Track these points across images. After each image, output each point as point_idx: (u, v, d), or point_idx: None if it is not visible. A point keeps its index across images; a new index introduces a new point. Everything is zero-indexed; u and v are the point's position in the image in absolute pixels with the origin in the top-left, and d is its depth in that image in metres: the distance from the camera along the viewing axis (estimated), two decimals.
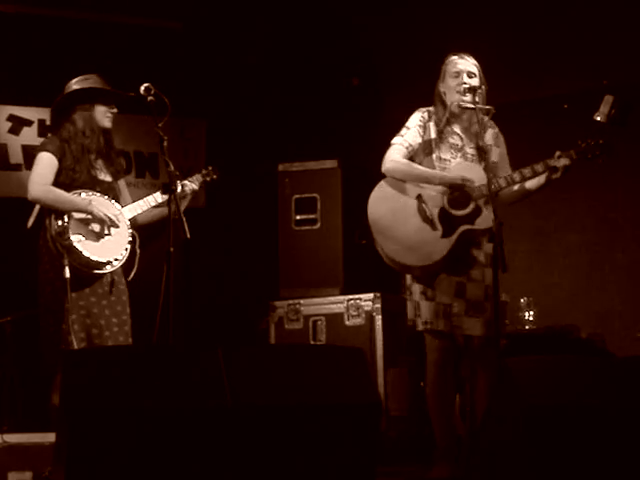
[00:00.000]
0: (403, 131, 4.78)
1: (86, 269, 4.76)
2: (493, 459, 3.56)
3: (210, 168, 5.26)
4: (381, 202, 4.75)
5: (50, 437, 4.71)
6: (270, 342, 6.35)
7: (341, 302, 6.27)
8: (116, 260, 4.82)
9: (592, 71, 6.90)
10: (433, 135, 4.75)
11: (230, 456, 3.20)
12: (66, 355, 3.57)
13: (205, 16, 7.26)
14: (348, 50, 7.52)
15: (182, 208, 4.68)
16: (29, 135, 6.95)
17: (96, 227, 4.81)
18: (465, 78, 4.70)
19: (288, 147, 7.09)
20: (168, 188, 4.40)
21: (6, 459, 4.95)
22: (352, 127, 7.29)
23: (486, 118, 4.73)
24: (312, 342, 6.24)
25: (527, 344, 6.17)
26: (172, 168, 4.42)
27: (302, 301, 6.35)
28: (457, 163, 4.72)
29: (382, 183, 4.78)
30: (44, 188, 4.78)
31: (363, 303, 6.20)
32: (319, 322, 6.29)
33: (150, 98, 4.47)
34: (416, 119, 4.78)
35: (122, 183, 5.09)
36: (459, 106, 4.70)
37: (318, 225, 6.48)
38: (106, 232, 4.82)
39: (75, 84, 4.92)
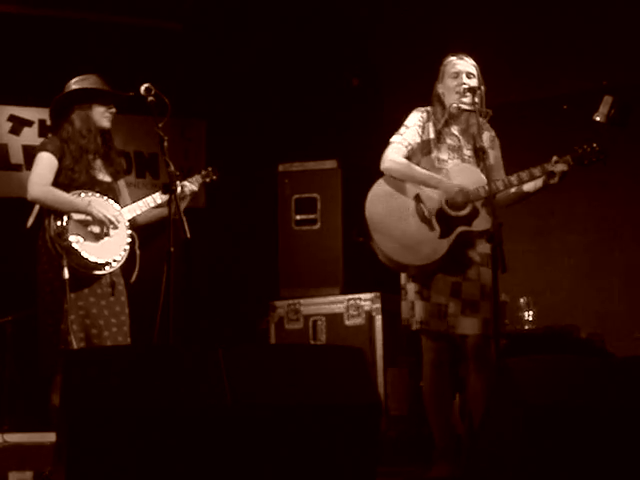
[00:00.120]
0: (402, 130, 4.78)
1: (85, 270, 4.76)
2: (492, 459, 3.56)
3: (210, 169, 5.26)
4: (379, 200, 4.75)
5: (50, 437, 4.72)
6: (270, 342, 6.36)
7: (341, 302, 6.27)
8: (115, 261, 4.82)
9: (591, 72, 6.90)
10: (432, 135, 4.75)
11: (230, 456, 3.21)
12: (66, 355, 3.57)
13: (205, 17, 7.27)
14: (348, 50, 7.53)
15: (181, 209, 4.68)
16: (30, 135, 6.95)
17: (95, 228, 4.81)
18: (464, 79, 4.70)
19: (288, 147, 7.10)
20: (168, 188, 4.40)
21: (7, 459, 4.97)
22: (352, 127, 7.30)
23: (483, 120, 4.74)
24: (312, 342, 6.24)
25: (527, 344, 6.17)
26: (172, 168, 4.43)
27: (302, 301, 6.36)
28: (454, 165, 4.72)
29: (380, 181, 4.78)
30: (44, 188, 4.78)
31: (363, 303, 6.20)
32: (319, 322, 6.29)
33: (150, 98, 4.47)
34: (415, 118, 4.78)
35: (122, 183, 5.09)
36: (458, 108, 4.70)
37: (318, 225, 6.49)
38: (105, 233, 4.83)
39: (74, 84, 4.92)
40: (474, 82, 4.70)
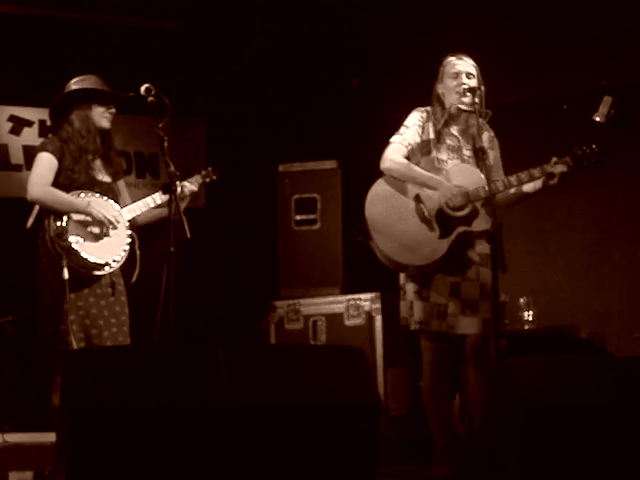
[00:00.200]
0: (402, 130, 4.78)
1: (84, 270, 4.76)
2: (492, 459, 3.56)
3: (210, 169, 5.26)
4: (379, 200, 4.75)
5: (51, 437, 4.72)
6: (270, 342, 6.36)
7: (341, 302, 6.27)
8: (114, 261, 4.82)
9: (591, 72, 6.90)
10: (431, 135, 4.75)
11: (230, 456, 3.21)
12: (66, 355, 3.58)
13: (205, 17, 7.27)
14: (348, 51, 7.53)
15: (181, 209, 4.68)
16: (30, 135, 6.95)
17: (95, 229, 4.81)
18: (464, 79, 4.70)
19: (288, 147, 7.10)
20: (168, 188, 4.40)
21: (7, 459, 4.97)
22: (352, 127, 7.30)
23: (482, 121, 4.74)
24: (312, 342, 6.25)
25: (526, 344, 6.17)
26: (172, 168, 4.43)
27: (302, 301, 6.36)
28: (454, 165, 4.72)
29: (380, 181, 4.78)
30: (43, 189, 4.78)
31: (363, 303, 6.21)
32: (319, 322, 6.30)
33: (150, 99, 4.48)
34: (415, 118, 4.78)
35: (122, 184, 5.09)
36: (458, 108, 4.70)
37: (318, 225, 6.49)
38: (105, 233, 4.83)
39: (73, 84, 4.92)
40: (474, 82, 4.70)
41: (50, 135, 5.02)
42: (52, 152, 4.83)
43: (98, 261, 4.77)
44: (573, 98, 6.96)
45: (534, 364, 3.63)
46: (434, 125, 4.75)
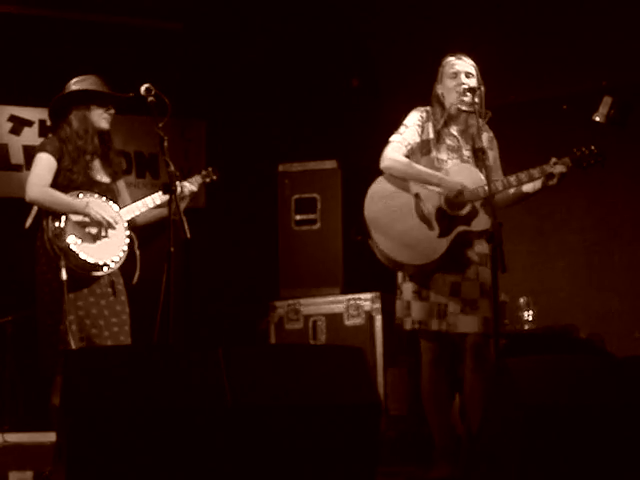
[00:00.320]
0: (401, 129, 4.78)
1: (83, 271, 4.76)
2: (492, 459, 3.57)
3: (210, 169, 5.26)
4: (378, 199, 4.75)
5: (51, 437, 4.73)
6: (270, 342, 6.36)
7: (341, 302, 6.28)
8: (113, 262, 4.82)
9: (591, 72, 6.91)
10: (431, 135, 4.75)
11: (230, 456, 3.21)
12: (66, 355, 3.58)
13: (205, 17, 7.27)
14: (348, 51, 7.53)
15: (181, 209, 4.68)
16: (30, 135, 6.96)
17: (93, 229, 4.81)
18: (463, 78, 4.70)
19: (288, 147, 7.10)
20: (168, 188, 4.40)
21: (7, 458, 4.98)
22: (352, 128, 7.30)
23: (482, 121, 4.74)
24: (312, 342, 6.25)
25: (526, 344, 6.17)
26: (172, 168, 4.42)
27: (302, 301, 6.36)
28: (454, 164, 4.72)
29: (380, 180, 4.78)
30: (42, 189, 4.78)
31: (363, 303, 6.21)
32: (319, 322, 6.30)
33: (150, 99, 4.47)
34: (415, 118, 4.78)
35: (121, 184, 5.09)
36: (457, 108, 4.71)
37: (318, 225, 6.50)
38: (103, 234, 4.83)
39: (73, 85, 4.92)
40: (473, 82, 4.70)
41: (50, 135, 5.02)
42: (51, 152, 4.83)
43: (96, 262, 4.76)
44: (573, 98, 6.96)
45: (534, 364, 3.63)
46: (434, 125, 4.76)
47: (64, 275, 4.65)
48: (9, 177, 6.93)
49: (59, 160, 4.83)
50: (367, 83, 7.65)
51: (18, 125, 6.97)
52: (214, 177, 5.25)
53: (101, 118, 4.92)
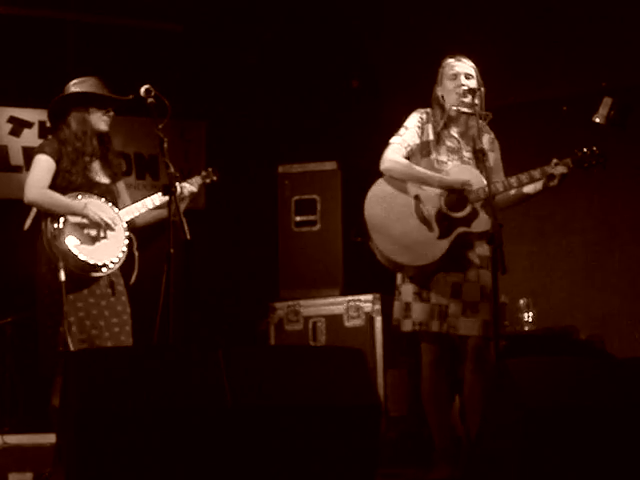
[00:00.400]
0: (402, 131, 4.79)
1: (82, 272, 4.76)
2: (492, 461, 3.56)
3: (210, 170, 5.26)
4: (378, 201, 4.75)
5: (50, 438, 4.73)
6: (270, 343, 6.35)
7: (341, 303, 6.27)
8: (112, 263, 4.82)
9: (591, 73, 6.90)
10: (431, 137, 4.75)
11: (230, 457, 3.21)
12: (66, 356, 3.58)
13: (205, 18, 7.27)
14: (347, 52, 7.53)
15: (181, 210, 4.68)
16: (30, 137, 6.95)
17: (92, 230, 4.81)
18: (463, 80, 4.70)
19: (288, 149, 7.10)
20: (168, 190, 4.40)
21: (7, 460, 4.97)
22: (352, 129, 7.30)
23: (483, 123, 4.74)
24: (312, 343, 6.24)
25: (526, 345, 6.17)
26: (172, 170, 4.42)
27: (302, 302, 6.36)
28: (454, 166, 4.72)
29: (380, 182, 4.78)
30: (40, 191, 4.78)
31: (363, 304, 6.20)
32: (319, 323, 6.29)
33: (150, 100, 4.47)
34: (415, 120, 4.78)
35: (121, 185, 5.09)
36: (457, 110, 4.70)
37: (318, 226, 6.49)
38: (102, 235, 4.82)
39: (72, 86, 4.92)
40: (473, 83, 4.70)
41: (49, 137, 5.02)
42: (50, 154, 4.83)
43: (96, 263, 4.76)
44: (573, 99, 6.96)
45: (534, 365, 3.63)
46: (434, 127, 4.76)
47: (63, 276, 4.65)
48: (9, 178, 6.93)
49: (58, 162, 4.83)
50: (367, 84, 7.65)
51: (18, 126, 6.97)
52: (214, 178, 5.25)
53: (100, 120, 4.92)
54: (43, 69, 6.70)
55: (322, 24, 7.42)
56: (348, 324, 6.22)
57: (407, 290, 4.71)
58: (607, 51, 6.84)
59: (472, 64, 4.76)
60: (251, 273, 7.14)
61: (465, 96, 4.66)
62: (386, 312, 6.09)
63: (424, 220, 4.68)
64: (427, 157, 4.74)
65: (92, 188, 4.88)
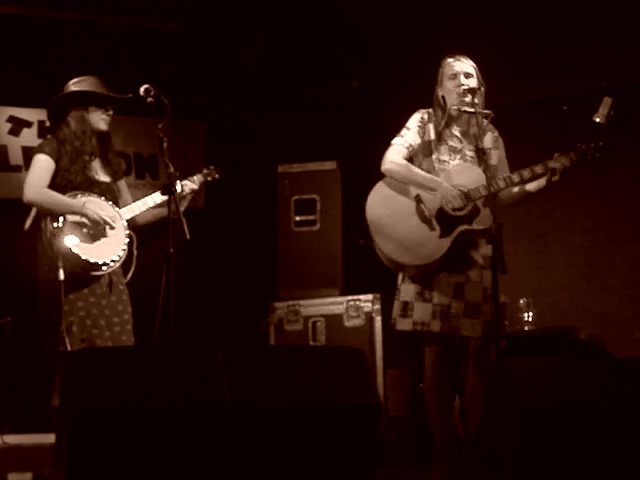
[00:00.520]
0: (403, 132, 4.79)
1: (82, 271, 4.76)
2: (492, 460, 3.56)
3: (212, 167, 5.26)
4: (379, 202, 4.75)
5: (50, 438, 4.72)
6: (270, 343, 6.35)
7: (340, 303, 6.27)
8: (113, 261, 4.82)
9: (591, 73, 6.90)
10: (432, 137, 4.75)
11: (230, 457, 3.21)
12: (65, 356, 3.58)
13: (205, 18, 7.27)
14: (347, 52, 7.53)
15: (182, 208, 4.69)
16: (29, 136, 6.95)
17: (91, 229, 4.81)
18: (462, 79, 4.70)
19: (288, 148, 7.10)
20: (168, 189, 4.40)
21: (6, 460, 4.97)
22: (351, 128, 7.29)
23: (485, 121, 4.74)
24: (312, 343, 6.24)
25: (526, 345, 6.17)
26: (172, 169, 4.42)
27: (301, 302, 6.36)
28: (456, 164, 4.72)
29: (381, 183, 4.79)
30: (39, 191, 4.78)
31: (362, 304, 6.20)
32: (318, 323, 6.29)
33: (150, 99, 4.47)
34: (416, 120, 4.79)
35: (122, 184, 5.09)
36: (458, 110, 4.70)
37: (317, 226, 6.49)
38: (102, 234, 4.83)
39: (71, 85, 4.92)
40: (473, 82, 4.70)
41: (48, 136, 5.02)
42: (49, 154, 4.83)
43: (96, 261, 4.76)
44: (573, 99, 6.95)
45: (534, 365, 3.62)
46: (435, 127, 4.75)
47: (61, 275, 4.65)
48: (8, 178, 6.92)
49: (57, 161, 4.83)
50: (367, 84, 7.65)
51: (17, 126, 6.96)
52: (216, 176, 5.25)
53: (99, 119, 4.92)
54: (43, 69, 6.69)
55: (322, 24, 7.42)
56: (348, 324, 6.22)
57: (407, 289, 4.71)
58: (607, 51, 6.84)
59: (472, 63, 4.76)
60: (251, 273, 7.14)
61: (465, 96, 4.66)
62: (386, 312, 6.09)
63: (425, 220, 4.67)
64: (429, 157, 4.74)
65: (92, 187, 4.88)
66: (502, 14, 7.01)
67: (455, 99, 4.70)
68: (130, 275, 4.91)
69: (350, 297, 6.26)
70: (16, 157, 6.96)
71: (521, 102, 7.22)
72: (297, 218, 6.53)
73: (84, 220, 4.78)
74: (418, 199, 4.70)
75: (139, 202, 4.97)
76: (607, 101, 4.63)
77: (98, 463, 3.08)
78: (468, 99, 4.65)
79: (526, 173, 4.61)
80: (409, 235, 4.66)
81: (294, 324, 6.35)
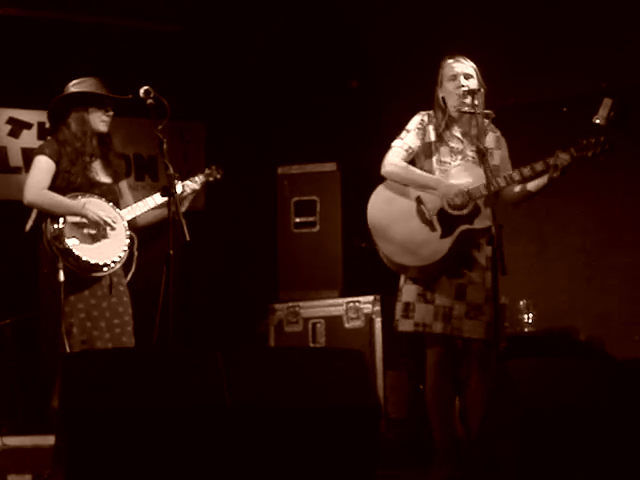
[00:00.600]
0: (403, 134, 4.79)
1: (83, 272, 4.76)
2: (492, 462, 3.56)
3: (213, 167, 5.26)
4: (380, 205, 4.75)
5: (49, 440, 4.71)
6: (269, 345, 6.35)
7: (340, 305, 6.26)
8: (113, 262, 4.82)
9: (591, 74, 6.90)
10: (432, 138, 4.75)
11: (229, 458, 3.20)
12: (64, 358, 3.57)
13: (205, 19, 7.27)
14: (347, 53, 7.53)
15: (183, 209, 4.72)
16: (28, 138, 6.95)
17: (91, 230, 4.81)
18: (462, 80, 4.69)
19: (287, 150, 7.10)
20: (167, 191, 4.40)
21: (6, 462, 4.96)
22: (351, 130, 7.29)
23: (487, 121, 4.74)
24: (311, 345, 6.23)
25: (526, 346, 6.16)
26: (171, 171, 4.42)
27: (301, 304, 6.35)
28: (456, 165, 4.72)
29: (381, 187, 4.79)
30: (39, 192, 4.79)
31: (362, 306, 6.20)
32: (318, 325, 6.29)
33: (150, 101, 4.47)
34: (416, 122, 4.79)
35: (124, 185, 5.09)
36: (458, 111, 4.70)
37: (317, 228, 6.48)
38: (102, 235, 4.83)
39: (72, 87, 4.93)
40: (472, 83, 4.70)
41: (48, 138, 5.02)
42: (49, 155, 4.83)
43: (97, 262, 4.76)
44: (573, 100, 6.96)
45: (534, 366, 3.62)
46: (435, 128, 4.75)
47: (62, 277, 4.65)
48: (8, 180, 6.92)
49: (57, 162, 4.83)
50: (367, 85, 7.65)
51: (17, 128, 6.96)
52: (217, 176, 5.26)
53: (100, 120, 4.92)
54: (42, 70, 6.69)
55: (322, 24, 7.42)
56: (348, 325, 6.21)
57: (409, 291, 4.70)
58: (607, 52, 6.84)
59: (472, 64, 4.75)
60: (250, 274, 7.14)
61: (465, 97, 4.66)
62: (386, 313, 6.09)
63: (426, 221, 4.67)
64: (430, 158, 4.74)
65: (92, 188, 4.88)
66: (502, 14, 7.01)
67: (455, 100, 4.70)
68: (130, 276, 4.91)
69: (350, 299, 6.25)
70: (16, 159, 6.95)
71: (521, 104, 7.22)
72: (297, 220, 6.52)
73: (84, 221, 4.78)
74: (419, 200, 4.70)
75: (140, 203, 4.98)
76: (607, 102, 4.63)
77: (97, 464, 3.08)
78: (468, 100, 4.65)
79: (526, 171, 4.60)
80: (410, 236, 4.66)
81: (294, 325, 6.34)
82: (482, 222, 4.58)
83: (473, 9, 7.00)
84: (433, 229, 4.65)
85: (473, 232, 4.63)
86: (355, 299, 6.22)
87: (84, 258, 4.73)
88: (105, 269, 4.80)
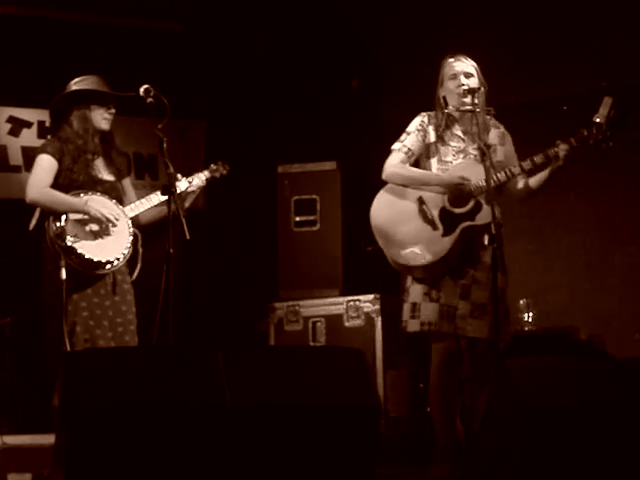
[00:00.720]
0: (403, 137, 4.80)
1: (86, 269, 4.76)
2: (493, 461, 3.56)
3: (219, 163, 5.27)
4: (383, 208, 4.78)
5: (50, 439, 4.70)
6: (270, 343, 6.35)
7: (340, 303, 6.26)
8: (117, 260, 4.82)
9: (591, 73, 6.90)
10: (433, 139, 4.76)
11: (230, 457, 3.20)
12: (65, 357, 3.57)
13: (205, 18, 7.27)
14: (348, 52, 7.53)
15: (187, 204, 4.73)
16: (29, 137, 6.94)
17: (94, 227, 4.81)
18: (463, 79, 4.70)
19: (287, 149, 7.09)
20: (167, 190, 4.40)
21: (6, 461, 4.96)
22: (352, 129, 7.29)
23: (488, 117, 4.74)
24: (311, 343, 6.23)
25: (526, 345, 6.17)
26: (172, 170, 4.43)
27: (301, 302, 6.35)
28: (457, 163, 4.73)
29: (382, 191, 4.82)
30: (41, 190, 4.79)
31: (363, 304, 6.19)
32: (318, 323, 6.29)
33: (150, 100, 4.48)
34: (415, 123, 4.80)
35: (127, 182, 5.10)
36: (458, 110, 4.70)
37: (317, 227, 6.48)
38: (105, 232, 4.83)
39: (73, 85, 4.93)
40: (473, 82, 4.70)
41: (50, 136, 5.02)
42: (52, 154, 4.84)
43: (99, 259, 4.76)
44: (573, 99, 6.95)
45: (534, 366, 3.62)
46: (436, 128, 4.75)
47: (64, 274, 4.65)
48: (8, 178, 6.92)
49: (60, 160, 4.84)
50: (367, 84, 7.65)
51: (17, 126, 6.95)
52: (224, 172, 5.26)
53: (102, 118, 4.93)
54: (43, 69, 6.69)
55: (322, 24, 7.42)
56: (348, 324, 6.21)
57: (415, 291, 4.71)
58: (607, 51, 6.84)
59: (472, 63, 4.76)
60: (251, 273, 7.14)
61: (465, 96, 4.66)
62: (386, 312, 6.09)
63: (428, 220, 4.68)
64: (432, 158, 4.75)
65: (95, 185, 4.89)
66: (502, 14, 7.01)
67: (456, 99, 4.71)
68: (136, 274, 4.91)
69: (350, 297, 6.25)
70: (16, 157, 6.95)
71: (521, 102, 7.22)
72: (297, 218, 6.52)
73: (86, 218, 4.79)
74: (420, 201, 4.71)
75: (143, 200, 4.98)
76: (607, 101, 4.63)
77: (98, 464, 3.08)
78: (468, 99, 4.65)
79: (526, 164, 4.62)
80: (414, 237, 4.67)
81: (294, 324, 6.34)
82: (484, 218, 4.58)
83: (473, 8, 7.00)
84: (435, 228, 4.66)
85: (475, 229, 4.63)
86: (355, 298, 6.22)
87: (87, 255, 4.73)
88: (108, 266, 4.80)
